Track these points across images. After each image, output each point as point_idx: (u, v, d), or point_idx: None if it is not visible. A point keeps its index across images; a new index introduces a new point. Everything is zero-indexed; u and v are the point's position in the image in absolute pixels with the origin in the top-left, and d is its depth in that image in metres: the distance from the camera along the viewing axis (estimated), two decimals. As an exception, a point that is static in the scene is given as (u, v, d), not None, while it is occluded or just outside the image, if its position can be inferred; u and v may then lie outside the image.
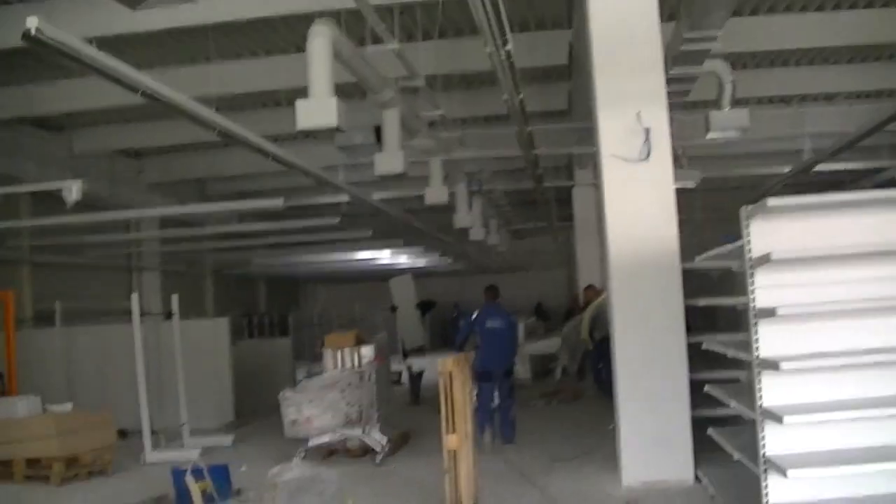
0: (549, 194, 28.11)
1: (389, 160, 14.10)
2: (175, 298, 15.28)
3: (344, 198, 20.30)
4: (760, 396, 6.88)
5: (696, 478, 10.14)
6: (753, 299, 6.88)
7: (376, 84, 12.84)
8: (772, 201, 6.40)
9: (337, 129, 10.97)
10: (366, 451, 13.10)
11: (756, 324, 6.87)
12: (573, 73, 16.49)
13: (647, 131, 10.16)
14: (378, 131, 14.35)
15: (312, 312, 31.24)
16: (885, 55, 17.27)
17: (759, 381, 6.89)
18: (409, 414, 17.23)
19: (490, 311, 14.32)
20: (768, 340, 6.88)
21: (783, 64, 17.85)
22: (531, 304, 32.97)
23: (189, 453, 13.67)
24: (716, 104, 14.11)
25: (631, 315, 10.33)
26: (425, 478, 11.41)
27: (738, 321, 10.67)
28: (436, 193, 18.34)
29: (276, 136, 18.69)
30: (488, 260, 31.24)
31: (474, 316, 14.28)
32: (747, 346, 7.32)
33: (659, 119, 10.30)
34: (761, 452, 6.87)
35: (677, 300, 10.28)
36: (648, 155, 10.17)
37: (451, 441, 9.20)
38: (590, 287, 19.37)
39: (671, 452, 10.22)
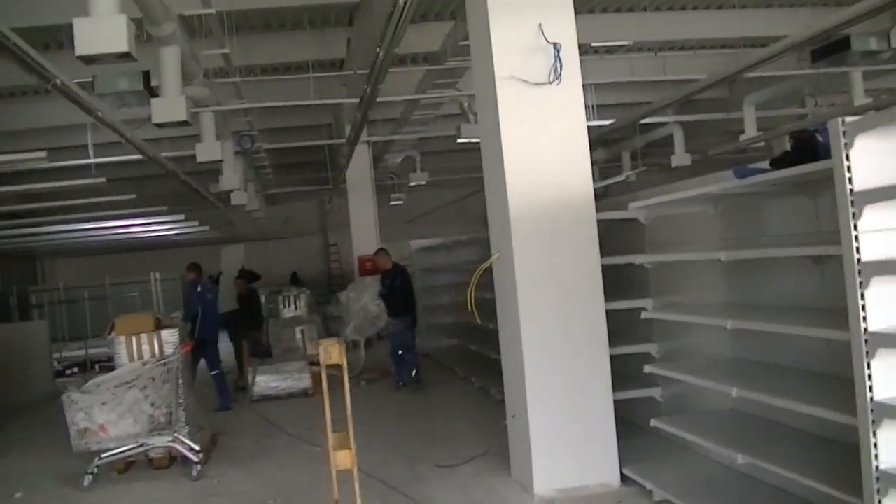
0: (322, 155, 25.46)
1: (169, 106, 11.21)
2: None
3: (93, 159, 16.78)
4: (871, 389, 4.48)
5: (622, 478, 7.80)
6: (857, 249, 4.46)
7: (158, 14, 9.88)
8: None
9: (125, 57, 8.07)
10: (172, 459, 10.07)
11: (864, 285, 4.45)
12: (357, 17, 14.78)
13: (557, 47, 7.63)
14: (147, 77, 11.50)
15: (58, 289, 26.98)
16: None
17: (869, 369, 4.49)
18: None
19: (206, 283, 14.82)
20: (880, 311, 4.49)
21: (643, 9, 16.20)
22: (287, 273, 30.01)
23: (-63, 479, 10.22)
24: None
25: (538, 279, 7.81)
26: (261, 495, 8.62)
27: (635, 284, 8.56)
28: (208, 150, 15.27)
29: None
30: (246, 227, 28.05)
31: (199, 289, 14.37)
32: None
33: (567, 32, 7.81)
34: (872, 468, 4.50)
35: (594, 258, 7.91)
36: (559, 76, 7.66)
37: (342, 459, 6.44)
38: (381, 251, 16.60)
39: (593, 449, 7.88)
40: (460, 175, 27.06)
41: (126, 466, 10.05)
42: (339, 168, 23.80)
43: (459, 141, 17.54)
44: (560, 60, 7.61)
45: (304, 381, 14.20)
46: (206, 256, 28.52)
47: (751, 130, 18.62)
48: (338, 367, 6.48)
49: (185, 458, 9.87)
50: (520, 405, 7.95)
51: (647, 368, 7.62)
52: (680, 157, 20.23)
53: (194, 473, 9.53)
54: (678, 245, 8.00)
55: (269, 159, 21.93)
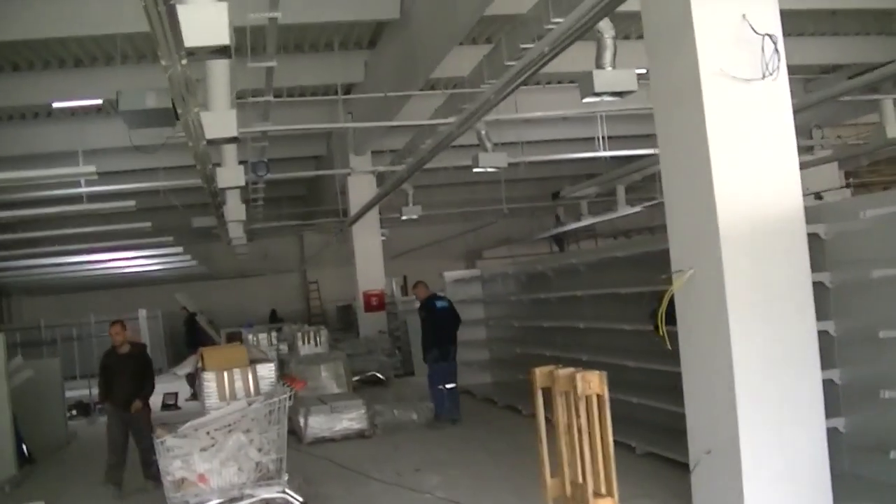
0: (303, 189, 24.19)
1: (220, 121, 9.79)
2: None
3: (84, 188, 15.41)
4: None
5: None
6: None
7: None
8: None
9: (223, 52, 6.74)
10: (267, 513, 8.66)
11: None
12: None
13: (773, 39, 6.67)
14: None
15: (35, 326, 25.07)
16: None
17: None
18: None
19: None
20: None
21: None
22: (266, 311, 28.67)
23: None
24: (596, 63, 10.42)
25: (749, 295, 6.77)
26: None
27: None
28: (230, 175, 14.06)
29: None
30: (224, 264, 26.65)
31: None
32: None
33: (773, 24, 6.83)
34: None
35: (805, 271, 6.93)
36: (776, 70, 6.67)
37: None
38: (420, 283, 15.35)
39: (805, 486, 6.78)
40: (445, 210, 26.01)
41: (216, 521, 8.62)
42: (330, 202, 22.62)
43: (476, 170, 16.30)
44: (778, 53, 6.64)
45: (361, 422, 12.79)
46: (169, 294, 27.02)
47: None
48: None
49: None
50: (723, 440, 6.86)
51: (887, 394, 6.57)
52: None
53: (304, 532, 8.18)
54: (867, 262, 7.04)
55: (264, 191, 20.61)
